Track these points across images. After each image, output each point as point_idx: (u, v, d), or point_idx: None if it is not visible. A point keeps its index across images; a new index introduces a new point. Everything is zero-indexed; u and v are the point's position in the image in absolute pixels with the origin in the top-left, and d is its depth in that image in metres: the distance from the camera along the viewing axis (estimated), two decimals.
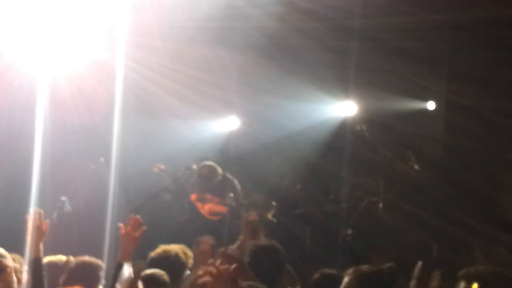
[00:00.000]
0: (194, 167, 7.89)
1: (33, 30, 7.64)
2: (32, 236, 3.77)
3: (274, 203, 7.73)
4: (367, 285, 3.15)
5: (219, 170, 7.55)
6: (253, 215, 4.84)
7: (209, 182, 7.48)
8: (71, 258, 4.49)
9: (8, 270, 3.75)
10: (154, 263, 4.42)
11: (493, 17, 6.92)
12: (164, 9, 7.99)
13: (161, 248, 4.62)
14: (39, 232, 3.77)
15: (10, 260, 3.83)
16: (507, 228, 6.51)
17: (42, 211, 3.86)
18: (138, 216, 3.78)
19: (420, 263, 3.88)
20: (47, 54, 7.89)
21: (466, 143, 7.64)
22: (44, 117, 8.15)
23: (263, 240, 4.05)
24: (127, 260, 3.70)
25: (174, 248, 4.57)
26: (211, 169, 7.49)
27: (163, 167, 8.75)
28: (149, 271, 4.11)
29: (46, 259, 4.54)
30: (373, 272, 3.32)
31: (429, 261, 6.60)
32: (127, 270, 3.51)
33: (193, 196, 7.75)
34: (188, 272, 4.63)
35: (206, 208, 7.54)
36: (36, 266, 3.74)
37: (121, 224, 3.77)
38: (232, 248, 4.34)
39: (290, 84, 9.50)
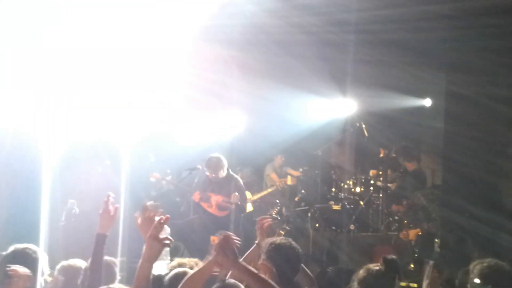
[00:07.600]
0: (199, 167, 7.91)
1: None
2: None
3: (277, 201, 7.75)
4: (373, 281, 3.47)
5: (225, 163, 7.57)
6: (267, 220, 4.51)
7: (216, 173, 7.47)
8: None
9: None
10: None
11: (489, 5, 6.91)
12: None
13: (176, 261, 4.47)
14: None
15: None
16: (508, 215, 6.56)
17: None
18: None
19: (431, 263, 4.01)
20: None
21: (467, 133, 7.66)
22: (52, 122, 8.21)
23: (280, 238, 3.94)
24: None
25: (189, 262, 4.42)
26: (218, 160, 7.51)
27: (159, 175, 8.79)
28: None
29: (63, 263, 4.64)
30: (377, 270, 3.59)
31: (431, 253, 6.67)
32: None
33: (196, 197, 7.72)
34: None
35: (213, 204, 7.57)
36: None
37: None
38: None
39: (288, 81, 9.53)
